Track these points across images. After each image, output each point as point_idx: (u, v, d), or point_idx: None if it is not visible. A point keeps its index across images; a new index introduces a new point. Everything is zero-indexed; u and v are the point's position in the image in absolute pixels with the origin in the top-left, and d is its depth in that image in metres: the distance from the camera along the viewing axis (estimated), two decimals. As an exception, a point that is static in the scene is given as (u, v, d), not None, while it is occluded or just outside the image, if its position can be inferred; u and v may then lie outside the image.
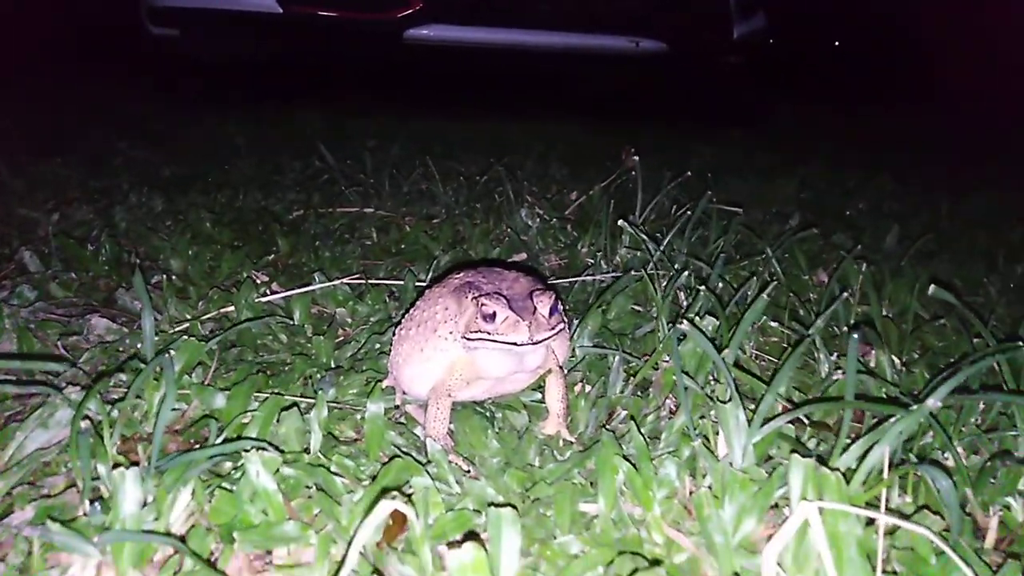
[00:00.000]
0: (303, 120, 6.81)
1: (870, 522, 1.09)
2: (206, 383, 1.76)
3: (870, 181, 5.11)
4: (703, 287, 1.84)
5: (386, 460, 1.43)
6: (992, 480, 1.40)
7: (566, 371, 1.75)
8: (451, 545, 0.92)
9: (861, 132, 8.94)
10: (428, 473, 1.33)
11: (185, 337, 1.79)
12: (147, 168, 4.66)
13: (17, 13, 8.42)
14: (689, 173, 3.01)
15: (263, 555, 1.22)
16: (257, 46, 7.49)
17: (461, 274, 1.63)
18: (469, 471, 1.43)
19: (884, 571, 1.11)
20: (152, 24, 7.52)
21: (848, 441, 1.25)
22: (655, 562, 1.15)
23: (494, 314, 1.40)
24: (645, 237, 2.23)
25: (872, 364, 1.86)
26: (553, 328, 1.42)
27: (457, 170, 4.49)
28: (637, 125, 7.13)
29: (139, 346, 1.87)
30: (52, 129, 5.98)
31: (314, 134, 5.25)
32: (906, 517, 1.20)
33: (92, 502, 1.23)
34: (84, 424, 1.26)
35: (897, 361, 1.93)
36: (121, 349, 1.96)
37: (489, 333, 1.41)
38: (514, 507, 1.13)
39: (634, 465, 1.31)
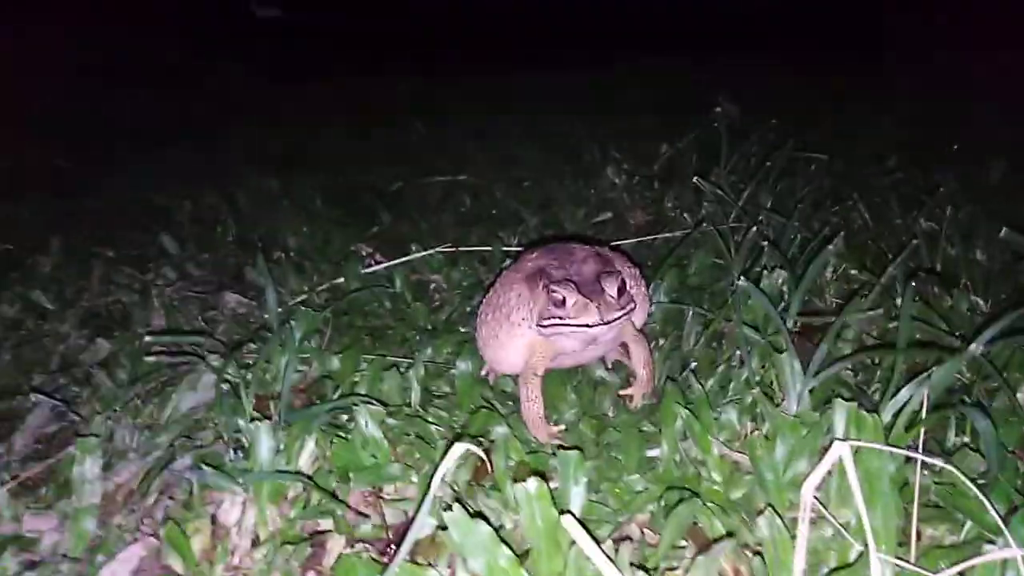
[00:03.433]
0: (394, 87, 7.08)
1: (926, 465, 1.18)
2: (323, 348, 2.02)
3: (991, 110, 4.77)
4: (765, 242, 1.90)
5: (475, 411, 1.62)
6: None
7: (645, 334, 1.84)
8: (516, 480, 1.09)
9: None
10: (508, 423, 1.51)
11: (303, 308, 2.04)
12: (255, 145, 5.07)
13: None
14: (775, 121, 2.97)
15: (375, 491, 1.45)
16: (353, 20, 7.85)
17: (535, 255, 1.70)
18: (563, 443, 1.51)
19: (923, 503, 1.20)
20: (257, 5, 8.06)
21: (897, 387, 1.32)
22: (713, 497, 1.28)
23: (564, 300, 1.46)
24: (721, 191, 2.28)
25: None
26: (623, 308, 1.47)
27: (546, 131, 4.59)
28: (740, 57, 6.88)
29: (265, 317, 2.15)
30: (165, 112, 6.53)
31: (404, 101, 5.50)
32: (949, 455, 1.27)
33: (235, 451, 1.49)
34: (225, 387, 1.52)
35: (981, 303, 1.92)
36: (252, 320, 2.26)
37: (561, 318, 1.47)
38: (580, 450, 1.29)
39: (694, 412, 1.43)
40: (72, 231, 3.32)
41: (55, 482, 1.49)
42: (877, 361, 1.71)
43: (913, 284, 1.43)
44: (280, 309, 2.17)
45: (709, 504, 1.22)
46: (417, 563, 1.09)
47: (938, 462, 1.08)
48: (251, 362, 1.78)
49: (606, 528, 1.23)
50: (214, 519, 1.39)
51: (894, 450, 1.09)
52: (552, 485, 1.30)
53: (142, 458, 1.57)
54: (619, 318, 1.46)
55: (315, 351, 1.92)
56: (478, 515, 1.06)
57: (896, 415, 1.28)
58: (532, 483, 1.06)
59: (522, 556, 1.07)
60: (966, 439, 1.38)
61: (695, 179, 2.20)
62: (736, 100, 4.44)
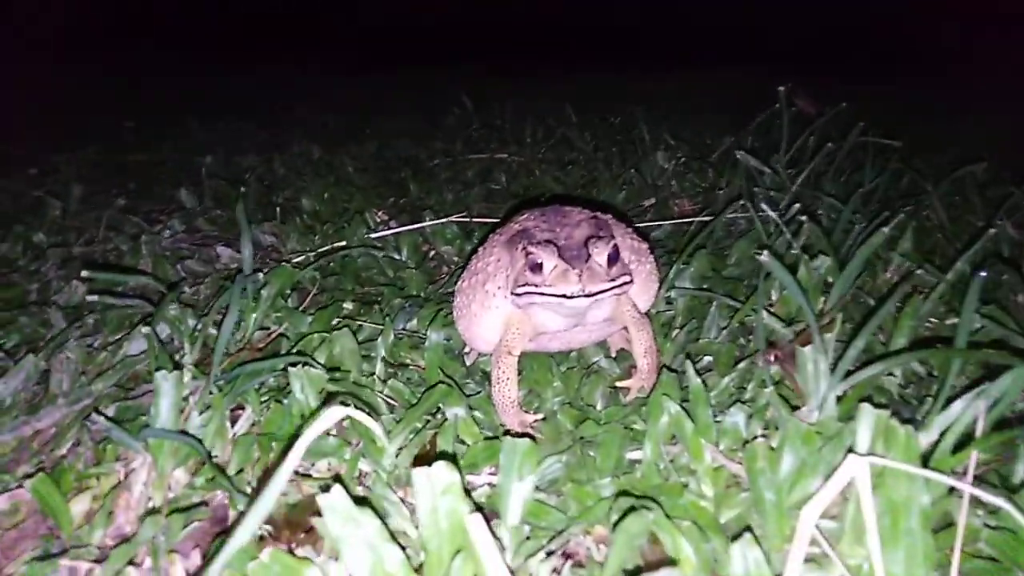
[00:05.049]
0: (473, 78, 6.93)
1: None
2: (302, 307, 1.84)
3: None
4: (804, 218, 1.59)
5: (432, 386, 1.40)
6: None
7: (651, 319, 1.56)
8: (418, 462, 0.87)
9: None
10: (469, 404, 1.28)
11: (281, 264, 1.86)
12: (313, 123, 4.99)
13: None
14: (844, 104, 2.62)
15: (309, 466, 1.25)
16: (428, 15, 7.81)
17: (524, 215, 1.46)
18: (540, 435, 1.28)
19: (971, 551, 0.91)
20: None
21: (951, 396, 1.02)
22: (697, 515, 1.02)
23: (541, 264, 1.21)
24: (769, 170, 1.98)
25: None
26: (612, 280, 1.20)
27: (605, 120, 4.33)
28: (827, 70, 6.43)
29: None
30: (233, 93, 6.60)
31: (476, 89, 5.33)
32: (1014, 492, 0.96)
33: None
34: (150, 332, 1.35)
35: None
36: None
37: (537, 285, 1.22)
38: (533, 439, 1.05)
39: (688, 411, 1.17)
40: (103, 182, 3.28)
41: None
42: (936, 373, 1.40)
43: (983, 274, 1.12)
44: (269, 268, 2.01)
45: (685, 523, 0.96)
46: (292, 553, 0.87)
47: (992, 498, 0.79)
48: (206, 312, 1.61)
49: (549, 538, 0.99)
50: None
51: (931, 475, 0.80)
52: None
53: (70, 405, 1.41)
54: (606, 292, 1.19)
55: (288, 310, 1.74)
56: (363, 502, 0.83)
57: (945, 433, 0.99)
58: (439, 469, 0.83)
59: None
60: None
61: (738, 153, 1.90)
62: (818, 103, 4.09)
